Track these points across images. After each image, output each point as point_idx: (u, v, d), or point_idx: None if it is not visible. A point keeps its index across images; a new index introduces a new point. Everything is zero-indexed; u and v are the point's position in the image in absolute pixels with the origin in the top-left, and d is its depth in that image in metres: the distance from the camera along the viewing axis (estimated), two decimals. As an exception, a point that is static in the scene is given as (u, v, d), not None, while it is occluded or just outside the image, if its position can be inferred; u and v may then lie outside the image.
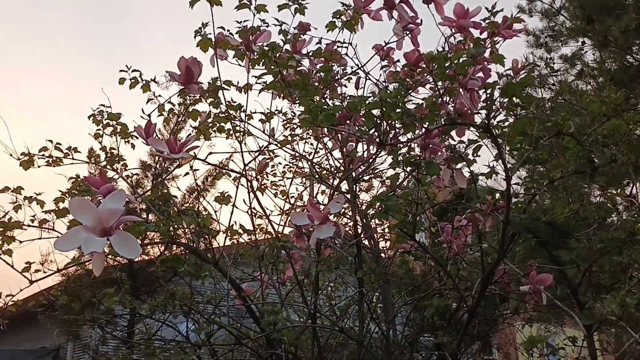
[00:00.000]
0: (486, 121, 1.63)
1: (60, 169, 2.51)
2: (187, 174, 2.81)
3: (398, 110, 1.62)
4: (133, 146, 2.79)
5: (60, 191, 2.21)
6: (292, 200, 3.17)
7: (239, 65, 2.48)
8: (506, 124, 1.70)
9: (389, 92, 1.69)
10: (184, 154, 1.91)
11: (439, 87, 1.74)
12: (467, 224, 2.64)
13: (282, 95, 2.41)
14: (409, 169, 1.90)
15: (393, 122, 1.78)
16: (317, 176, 2.83)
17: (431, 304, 2.24)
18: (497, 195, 2.03)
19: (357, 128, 2.06)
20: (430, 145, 2.16)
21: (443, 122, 1.84)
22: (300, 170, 3.15)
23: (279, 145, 2.59)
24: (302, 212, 2.21)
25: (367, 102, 1.65)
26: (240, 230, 2.38)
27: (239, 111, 2.40)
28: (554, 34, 7.70)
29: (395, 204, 1.66)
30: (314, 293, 2.43)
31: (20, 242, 2.08)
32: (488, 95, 1.63)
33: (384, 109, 1.55)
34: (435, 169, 1.76)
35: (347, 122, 2.24)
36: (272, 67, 2.02)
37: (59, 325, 3.07)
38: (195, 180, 4.78)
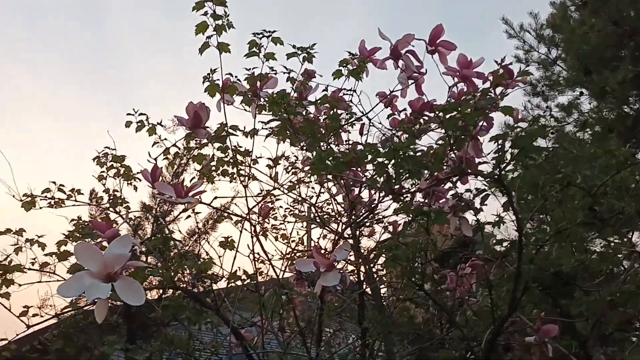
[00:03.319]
0: (497, 171, 1.63)
1: (62, 210, 2.50)
2: (188, 216, 2.79)
3: (408, 159, 1.62)
4: (135, 188, 2.78)
5: (63, 234, 2.18)
6: (293, 245, 3.14)
7: (246, 110, 2.50)
8: (515, 174, 1.71)
9: (401, 142, 1.69)
10: (190, 198, 1.90)
11: (449, 136, 1.74)
12: (471, 272, 2.62)
13: (289, 141, 2.42)
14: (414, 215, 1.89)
15: (402, 171, 1.78)
16: (318, 220, 2.81)
17: (438, 356, 2.18)
18: (504, 244, 2.02)
19: (364, 177, 2.05)
20: (437, 193, 2.16)
21: (452, 170, 1.84)
22: (301, 214, 3.13)
23: (284, 191, 2.58)
24: (307, 258, 2.19)
25: (378, 151, 1.66)
26: (244, 276, 2.34)
27: (245, 157, 2.40)
28: (550, 83, 7.83)
29: (403, 252, 1.65)
30: (317, 344, 2.37)
31: (20, 285, 2.04)
32: (499, 146, 1.64)
33: (396, 159, 1.56)
34: (443, 218, 1.75)
35: (353, 168, 2.24)
36: (280, 114, 2.03)
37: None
38: (197, 223, 4.79)
